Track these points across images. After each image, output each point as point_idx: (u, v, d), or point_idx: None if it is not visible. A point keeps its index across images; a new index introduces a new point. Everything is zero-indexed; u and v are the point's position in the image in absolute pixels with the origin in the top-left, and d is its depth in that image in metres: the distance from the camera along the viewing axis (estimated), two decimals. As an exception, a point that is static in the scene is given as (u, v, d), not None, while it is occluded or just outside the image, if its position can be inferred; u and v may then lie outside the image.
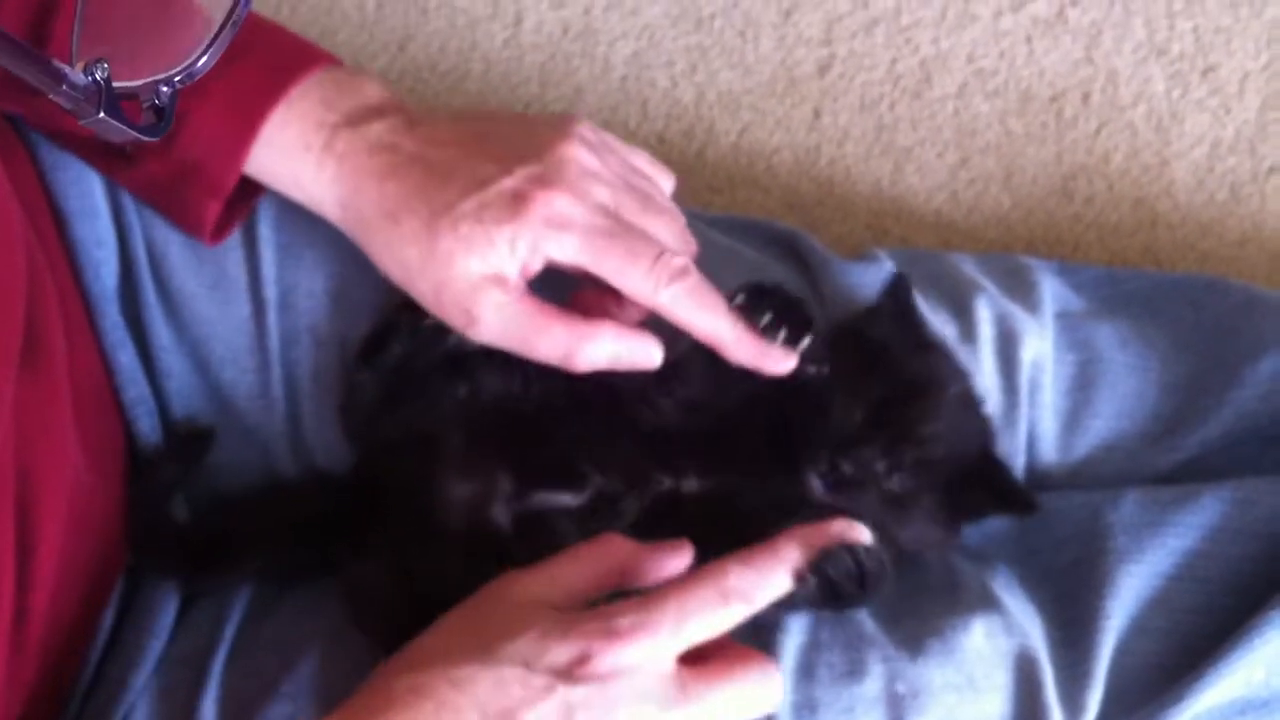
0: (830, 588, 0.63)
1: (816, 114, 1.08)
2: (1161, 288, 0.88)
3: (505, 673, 0.59)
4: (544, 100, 1.08)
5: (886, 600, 0.72)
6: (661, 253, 0.69)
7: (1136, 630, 0.73)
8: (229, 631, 0.74)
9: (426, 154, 0.70)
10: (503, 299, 0.69)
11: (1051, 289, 0.85)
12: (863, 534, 0.64)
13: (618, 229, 0.69)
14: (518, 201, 0.68)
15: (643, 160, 0.76)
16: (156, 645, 0.74)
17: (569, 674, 0.59)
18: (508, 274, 0.68)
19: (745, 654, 0.63)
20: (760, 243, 0.86)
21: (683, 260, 0.69)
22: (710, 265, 0.72)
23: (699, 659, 0.62)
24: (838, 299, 0.80)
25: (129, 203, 0.78)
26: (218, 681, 0.72)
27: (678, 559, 0.64)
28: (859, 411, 0.69)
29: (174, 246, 0.78)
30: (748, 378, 0.71)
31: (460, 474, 0.71)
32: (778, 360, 0.70)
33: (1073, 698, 0.71)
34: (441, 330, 0.73)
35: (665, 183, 0.76)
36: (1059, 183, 1.05)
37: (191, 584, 0.76)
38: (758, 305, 0.69)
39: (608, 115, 1.07)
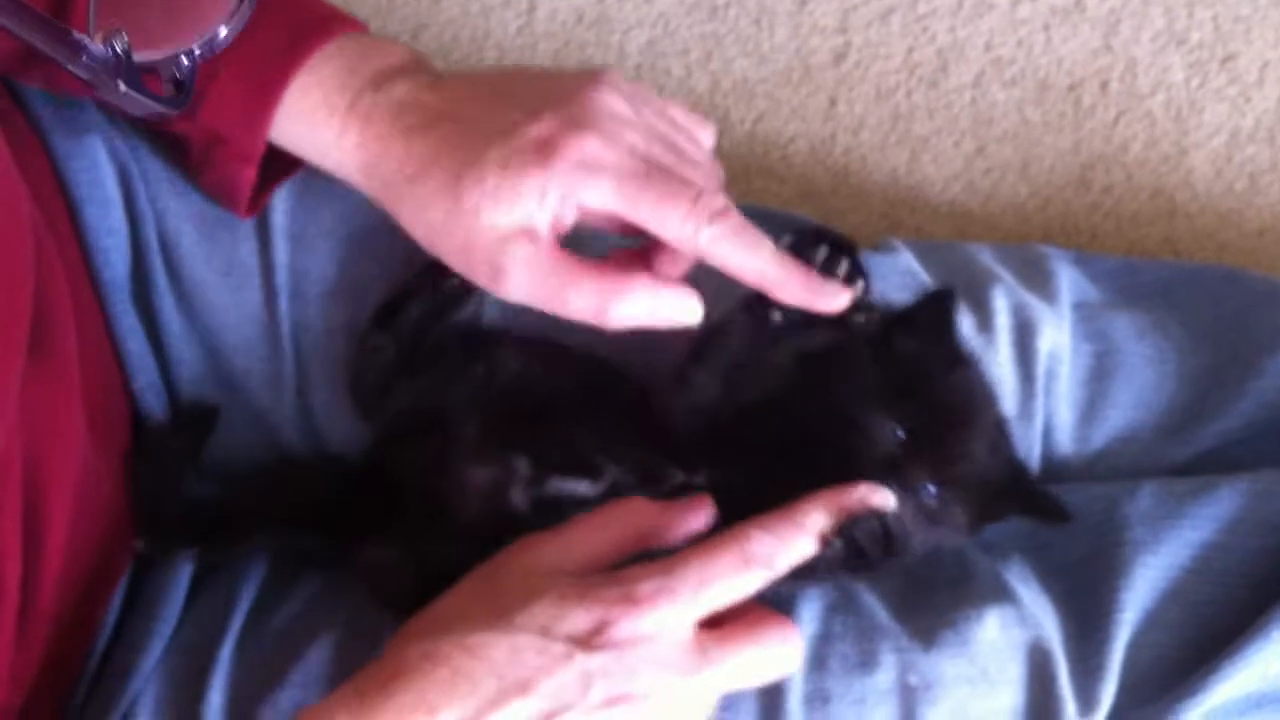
0: (856, 552, 0.62)
1: (832, 103, 1.07)
2: (1180, 278, 0.88)
3: (521, 640, 0.58)
4: (561, 61, 1.07)
5: (899, 591, 0.73)
6: (701, 193, 0.65)
7: (1151, 623, 0.72)
8: (237, 621, 0.74)
9: (451, 109, 0.68)
10: (532, 252, 0.66)
11: (1069, 279, 0.85)
12: (887, 498, 0.63)
13: (653, 172, 0.66)
14: (546, 148, 0.65)
15: (679, 111, 0.73)
16: (164, 633, 0.73)
17: (587, 642, 0.58)
18: (538, 226, 0.66)
19: (764, 616, 0.62)
20: (776, 233, 0.82)
21: (723, 200, 0.66)
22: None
23: (717, 622, 0.61)
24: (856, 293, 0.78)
25: (141, 190, 0.77)
26: (225, 670, 0.71)
27: (698, 517, 0.64)
28: (897, 429, 0.67)
29: (186, 234, 0.77)
30: (780, 360, 0.69)
31: (477, 459, 0.70)
32: (832, 297, 0.67)
33: (1086, 690, 0.71)
34: (461, 293, 0.72)
35: (705, 135, 0.73)
36: (1076, 172, 1.05)
37: (200, 557, 0.76)
38: (807, 246, 0.67)
39: None
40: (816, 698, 0.69)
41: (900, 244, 0.84)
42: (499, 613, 0.60)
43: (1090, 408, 0.80)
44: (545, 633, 0.59)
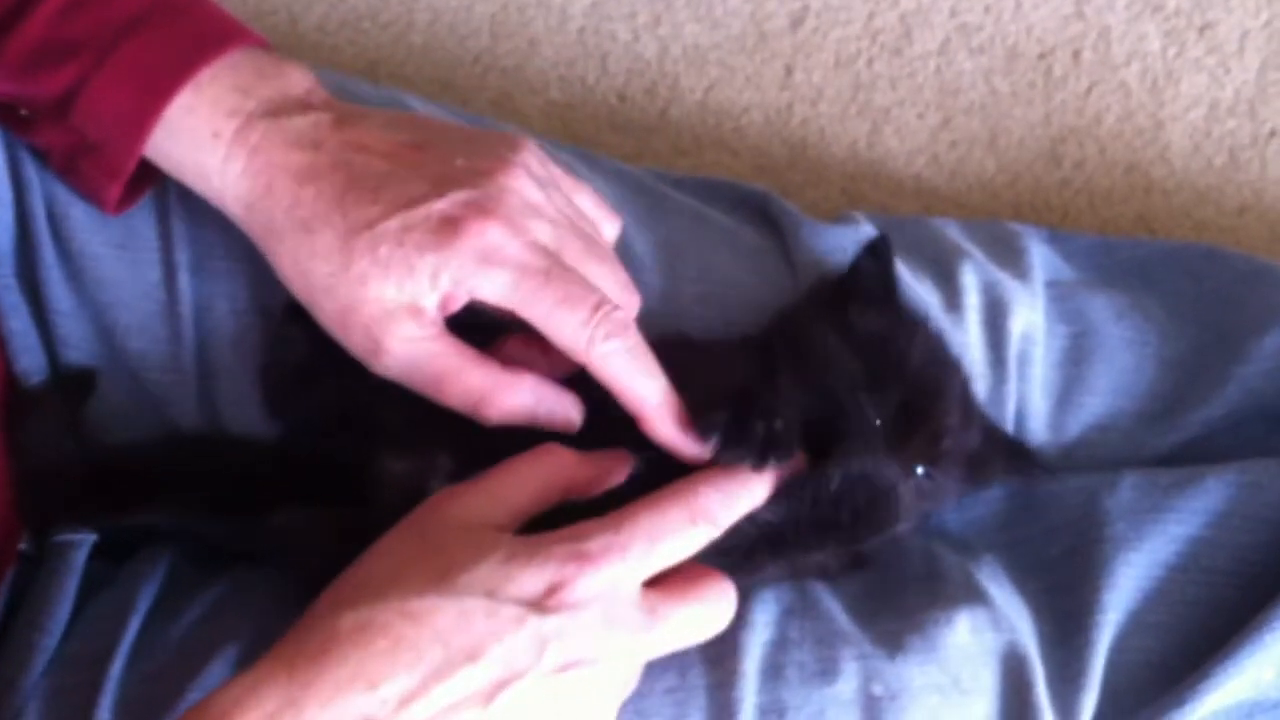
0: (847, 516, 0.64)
1: (789, 71, 1.05)
2: (1158, 257, 0.87)
3: (468, 604, 0.56)
4: (495, 53, 1.05)
5: (862, 594, 0.71)
6: (602, 302, 0.64)
7: (1135, 625, 0.70)
8: (131, 631, 0.70)
9: (352, 160, 0.66)
10: (416, 333, 0.65)
11: (1041, 257, 0.84)
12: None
13: (555, 271, 0.65)
14: (447, 228, 0.64)
15: (588, 200, 0.72)
16: (49, 644, 0.69)
17: (539, 604, 0.57)
18: (425, 306, 0.65)
19: (702, 573, 0.62)
20: (728, 205, 0.84)
21: (624, 314, 0.65)
22: (676, 230, 0.72)
23: (658, 581, 0.61)
24: (811, 264, 0.78)
25: (27, 157, 0.74)
26: (116, 684, 0.67)
27: (621, 466, 0.64)
28: (871, 409, 0.66)
29: (77, 204, 0.74)
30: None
31: (398, 451, 0.68)
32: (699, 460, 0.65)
33: (1065, 699, 0.68)
34: None
35: (609, 229, 0.73)
36: (1047, 146, 1.04)
37: (96, 535, 0.72)
38: (735, 440, 0.63)
39: (564, 70, 1.04)
40: (772, 710, 0.67)
41: (861, 216, 0.82)
42: (440, 574, 0.57)
43: (1066, 393, 0.79)
44: (493, 595, 0.57)
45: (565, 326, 0.64)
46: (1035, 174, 1.03)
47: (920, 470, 0.66)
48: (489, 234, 0.64)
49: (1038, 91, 1.04)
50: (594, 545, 0.58)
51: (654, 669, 0.65)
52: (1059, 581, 0.72)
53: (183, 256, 0.75)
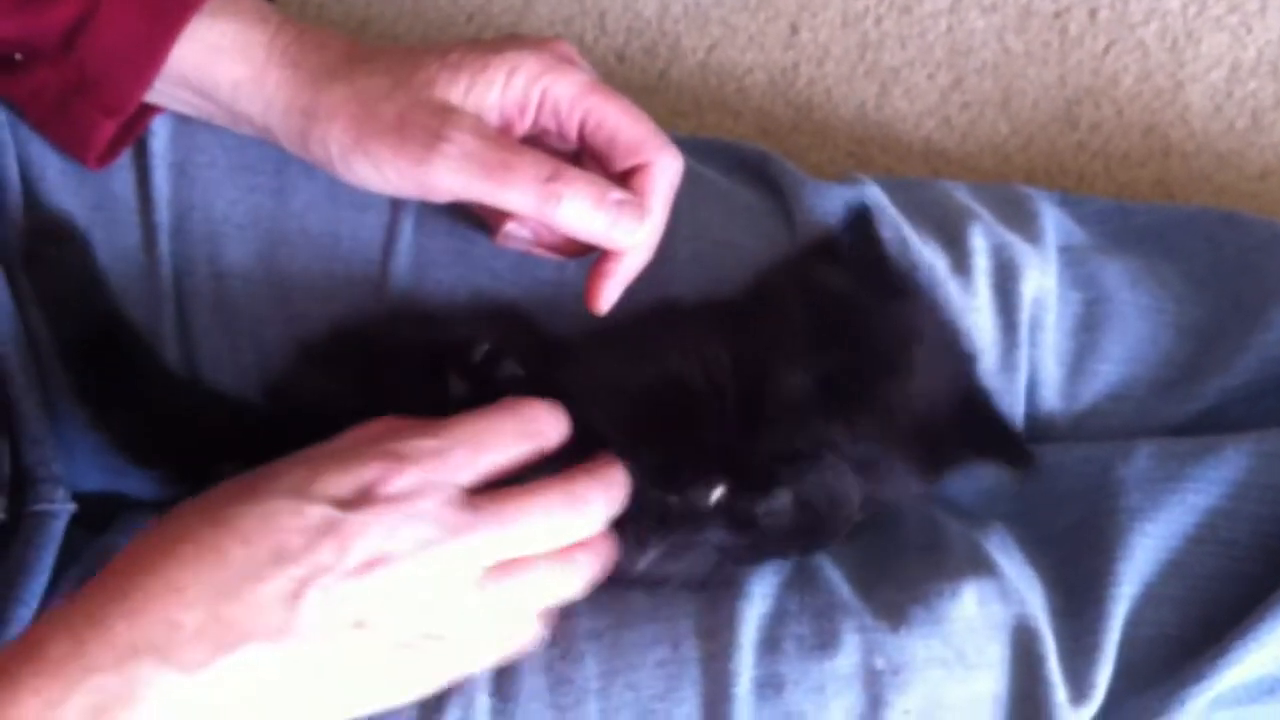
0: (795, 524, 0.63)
1: (793, 29, 1.05)
2: (1175, 222, 0.86)
3: (274, 504, 0.56)
4: (489, 12, 1.05)
5: (863, 564, 0.71)
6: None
7: (1151, 598, 0.69)
8: None
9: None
10: (479, 125, 0.67)
11: (1054, 220, 0.83)
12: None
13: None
14: (518, 39, 0.69)
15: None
16: (26, 614, 0.69)
17: (346, 502, 0.57)
18: (490, 107, 0.68)
19: (566, 475, 0.61)
20: (726, 165, 0.83)
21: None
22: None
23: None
24: (813, 224, 0.77)
25: (2, 116, 0.74)
26: None
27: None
28: (808, 379, 0.65)
29: (52, 164, 0.74)
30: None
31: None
32: None
33: (1078, 674, 0.68)
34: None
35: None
36: (1062, 107, 1.03)
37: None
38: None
39: (560, 29, 1.04)
40: (769, 684, 0.66)
41: (865, 179, 0.81)
42: (250, 487, 0.58)
43: (1079, 361, 0.78)
44: (300, 494, 0.57)
45: (629, 113, 0.69)
46: (1050, 137, 1.02)
47: (844, 441, 0.65)
48: (561, 46, 0.69)
49: (1052, 51, 1.03)
50: (408, 448, 0.58)
51: (645, 641, 0.65)
52: (1071, 553, 0.71)
53: (162, 218, 0.74)
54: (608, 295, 0.69)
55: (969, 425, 0.69)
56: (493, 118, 0.67)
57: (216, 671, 0.53)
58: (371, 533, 0.56)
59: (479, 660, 0.60)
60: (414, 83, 0.66)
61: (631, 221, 0.67)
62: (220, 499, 0.57)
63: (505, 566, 0.59)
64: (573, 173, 0.66)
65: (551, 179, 0.66)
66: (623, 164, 0.69)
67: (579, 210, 0.66)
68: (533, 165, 0.66)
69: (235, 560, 0.55)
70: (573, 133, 0.69)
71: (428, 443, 0.59)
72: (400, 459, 0.58)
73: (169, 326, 0.74)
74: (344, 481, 0.57)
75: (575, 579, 0.61)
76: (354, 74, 0.67)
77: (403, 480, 0.57)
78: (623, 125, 0.68)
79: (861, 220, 0.73)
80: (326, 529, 0.55)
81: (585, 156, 0.70)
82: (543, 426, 0.62)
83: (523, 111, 0.68)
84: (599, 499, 0.61)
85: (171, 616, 0.53)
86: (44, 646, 0.53)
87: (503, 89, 0.67)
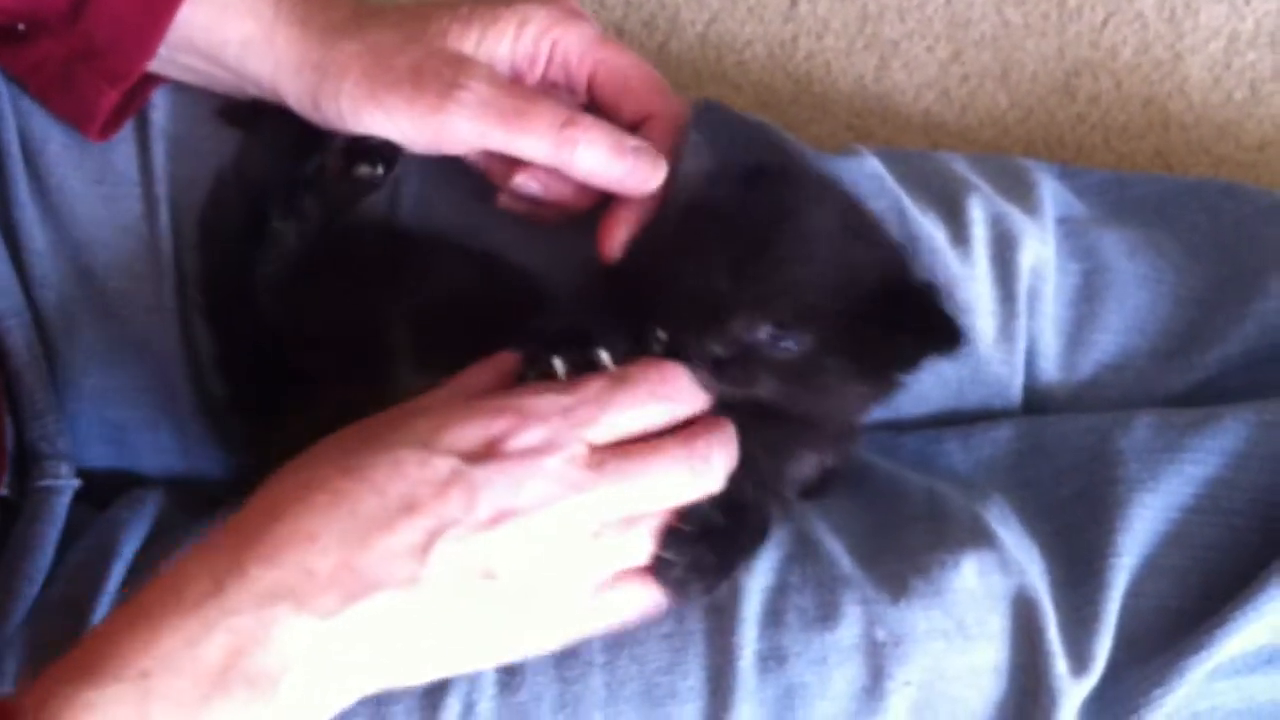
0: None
1: (793, 2, 1.04)
2: (1174, 193, 0.86)
3: (402, 454, 0.57)
4: None
5: (864, 536, 0.70)
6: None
7: (1151, 569, 0.69)
8: (115, 577, 0.69)
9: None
10: (491, 73, 0.67)
11: (1052, 192, 0.83)
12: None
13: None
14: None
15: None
16: (31, 590, 0.69)
17: (472, 455, 0.57)
18: (501, 58, 0.69)
19: (681, 433, 0.61)
20: (730, 139, 0.81)
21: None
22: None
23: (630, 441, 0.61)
24: None
25: (3, 89, 0.74)
26: None
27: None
28: (720, 280, 0.62)
29: (54, 138, 0.75)
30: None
31: (414, 368, 0.68)
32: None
33: (1079, 644, 0.67)
34: (374, 179, 0.69)
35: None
36: (1061, 80, 1.03)
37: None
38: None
39: None
40: (771, 656, 0.66)
41: (865, 150, 0.81)
42: (377, 435, 0.59)
43: (1078, 331, 0.78)
44: (427, 445, 0.57)
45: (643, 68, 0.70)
46: (1049, 109, 1.02)
47: (782, 339, 0.62)
48: (569, 1, 0.70)
49: (1051, 23, 1.03)
50: (536, 404, 0.59)
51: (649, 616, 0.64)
52: (1071, 524, 0.71)
53: (163, 190, 0.74)
54: (621, 241, 0.69)
55: (897, 311, 0.64)
56: (503, 70, 0.68)
57: (348, 618, 0.54)
58: (498, 486, 0.56)
59: (585, 611, 0.60)
60: (426, 35, 0.67)
61: (647, 167, 0.68)
62: (350, 446, 0.58)
63: (625, 521, 0.60)
64: (589, 119, 0.67)
65: (568, 125, 0.66)
66: (632, 115, 0.70)
67: (596, 155, 0.67)
68: (549, 111, 0.66)
69: (367, 510, 0.56)
70: (582, 84, 0.70)
71: (556, 399, 0.59)
72: (526, 415, 0.58)
73: (171, 302, 0.74)
74: (471, 434, 0.57)
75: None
76: (364, 29, 0.67)
77: (528, 436, 0.58)
78: (633, 76, 0.69)
79: (703, 111, 0.72)
80: (453, 480, 0.56)
81: (594, 109, 0.70)
82: (678, 391, 0.61)
83: (532, 64, 0.68)
84: (719, 457, 0.61)
85: (306, 564, 0.54)
86: (183, 588, 0.54)
87: (513, 41, 0.67)
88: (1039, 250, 0.76)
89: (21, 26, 0.69)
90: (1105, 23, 1.02)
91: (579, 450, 0.58)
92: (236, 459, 0.75)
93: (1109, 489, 0.71)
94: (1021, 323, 0.76)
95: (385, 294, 0.70)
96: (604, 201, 0.71)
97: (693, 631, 0.65)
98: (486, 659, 0.60)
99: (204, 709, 0.53)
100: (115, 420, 0.76)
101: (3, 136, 0.73)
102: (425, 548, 0.56)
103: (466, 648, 0.58)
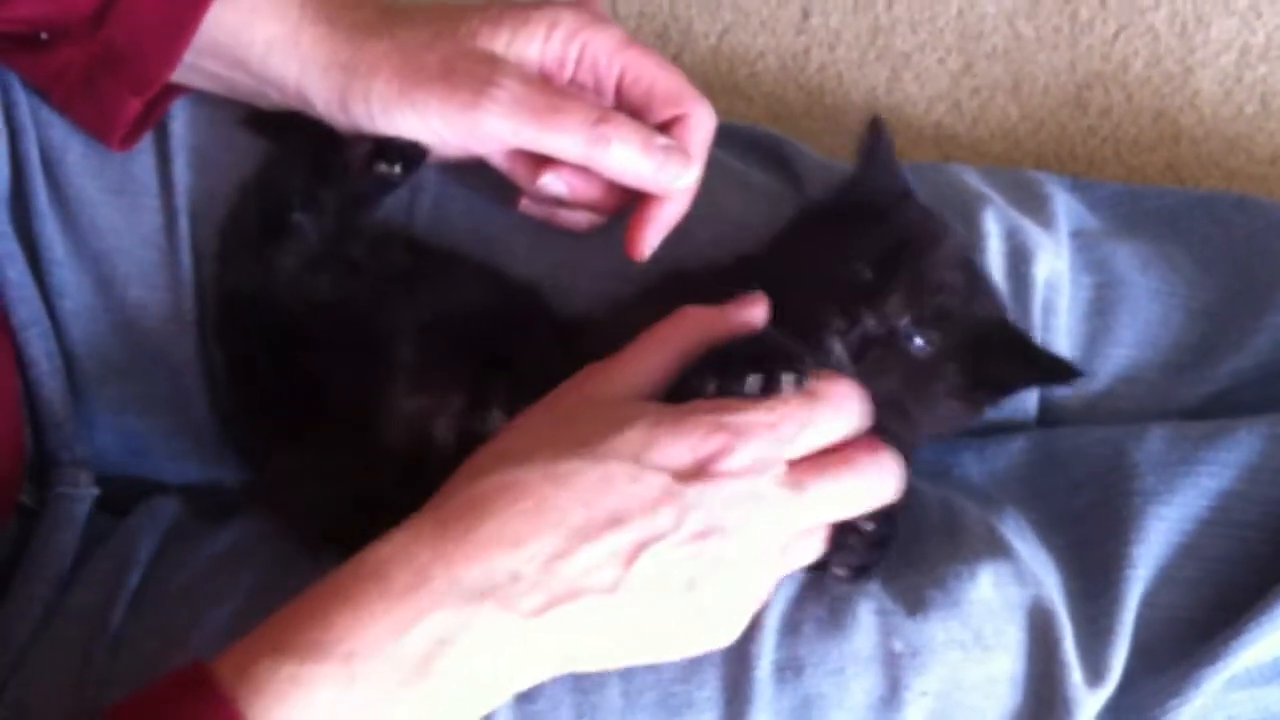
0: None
1: (805, 14, 1.04)
2: (1186, 206, 0.85)
3: (613, 468, 0.58)
4: None
5: None
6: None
7: (1165, 580, 0.69)
8: (132, 583, 0.69)
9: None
10: (522, 73, 0.68)
11: (1065, 205, 0.83)
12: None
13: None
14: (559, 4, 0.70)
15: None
16: (50, 596, 0.69)
17: (682, 473, 0.58)
18: (531, 59, 0.69)
19: (860, 446, 0.63)
20: (740, 150, 0.83)
21: None
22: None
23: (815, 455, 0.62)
24: None
25: (22, 99, 0.74)
26: (116, 637, 0.67)
27: (755, 309, 0.64)
28: (866, 270, 0.66)
29: (73, 149, 0.74)
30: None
31: (412, 389, 0.68)
32: None
33: (1094, 655, 0.67)
34: (394, 179, 0.70)
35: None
36: (1073, 92, 1.02)
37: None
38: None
39: None
40: (788, 667, 0.65)
41: (880, 162, 0.81)
42: (583, 440, 0.59)
43: (1091, 344, 0.78)
44: (638, 460, 0.58)
45: (666, 72, 0.71)
46: (1060, 121, 1.02)
47: (916, 339, 0.66)
48: (596, 4, 0.70)
49: (1063, 36, 1.03)
50: (743, 420, 0.59)
51: None
52: (1086, 535, 0.71)
53: (182, 201, 0.74)
54: (650, 241, 0.70)
55: (1010, 344, 0.70)
56: (532, 71, 0.68)
57: (549, 619, 0.56)
58: (707, 505, 0.58)
59: (754, 609, 0.62)
60: (456, 34, 0.67)
61: (678, 165, 0.68)
62: (554, 449, 0.58)
63: (809, 530, 0.62)
64: (620, 117, 0.67)
65: (600, 121, 0.67)
66: (660, 115, 0.70)
67: (627, 153, 0.67)
68: (581, 109, 0.67)
69: (574, 520, 0.57)
70: (610, 87, 0.70)
71: (762, 417, 0.59)
72: (736, 434, 0.59)
73: (190, 311, 0.74)
74: (681, 451, 0.58)
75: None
76: (393, 28, 0.68)
77: (739, 457, 0.58)
78: (660, 78, 0.70)
79: (873, 129, 0.74)
80: (664, 499, 0.57)
81: (621, 112, 0.70)
82: (859, 406, 0.62)
83: (561, 66, 0.69)
84: (895, 473, 0.63)
85: (510, 567, 0.56)
86: (388, 575, 0.55)
87: (543, 43, 0.68)
88: (1053, 263, 0.76)
89: (44, 35, 0.69)
90: (1117, 36, 1.02)
91: (780, 469, 0.60)
92: (251, 470, 0.75)
93: (1123, 501, 0.70)
94: (1036, 336, 0.75)
95: (396, 305, 0.70)
96: (624, 211, 0.71)
97: (711, 641, 0.65)
98: (666, 657, 0.62)
99: (403, 694, 0.54)
100: (133, 429, 0.76)
101: (22, 146, 0.73)
102: (630, 558, 0.57)
103: (652, 648, 0.60)
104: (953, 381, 0.68)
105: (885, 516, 0.63)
